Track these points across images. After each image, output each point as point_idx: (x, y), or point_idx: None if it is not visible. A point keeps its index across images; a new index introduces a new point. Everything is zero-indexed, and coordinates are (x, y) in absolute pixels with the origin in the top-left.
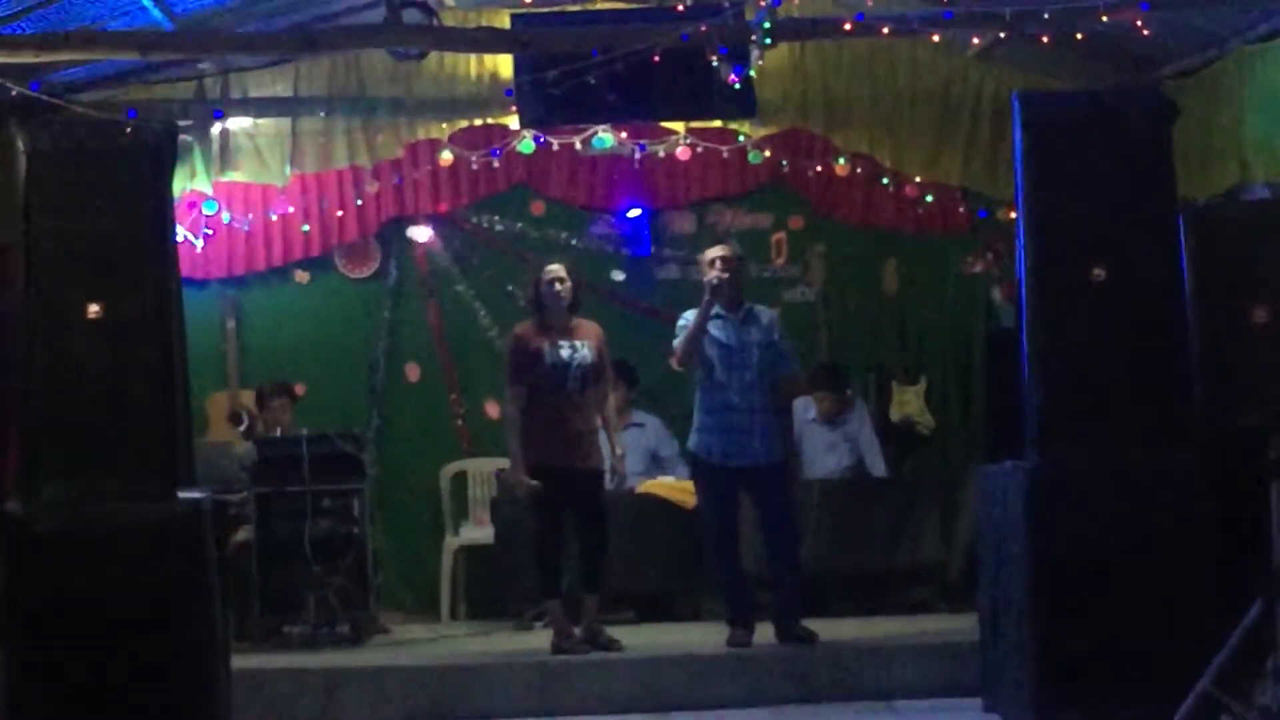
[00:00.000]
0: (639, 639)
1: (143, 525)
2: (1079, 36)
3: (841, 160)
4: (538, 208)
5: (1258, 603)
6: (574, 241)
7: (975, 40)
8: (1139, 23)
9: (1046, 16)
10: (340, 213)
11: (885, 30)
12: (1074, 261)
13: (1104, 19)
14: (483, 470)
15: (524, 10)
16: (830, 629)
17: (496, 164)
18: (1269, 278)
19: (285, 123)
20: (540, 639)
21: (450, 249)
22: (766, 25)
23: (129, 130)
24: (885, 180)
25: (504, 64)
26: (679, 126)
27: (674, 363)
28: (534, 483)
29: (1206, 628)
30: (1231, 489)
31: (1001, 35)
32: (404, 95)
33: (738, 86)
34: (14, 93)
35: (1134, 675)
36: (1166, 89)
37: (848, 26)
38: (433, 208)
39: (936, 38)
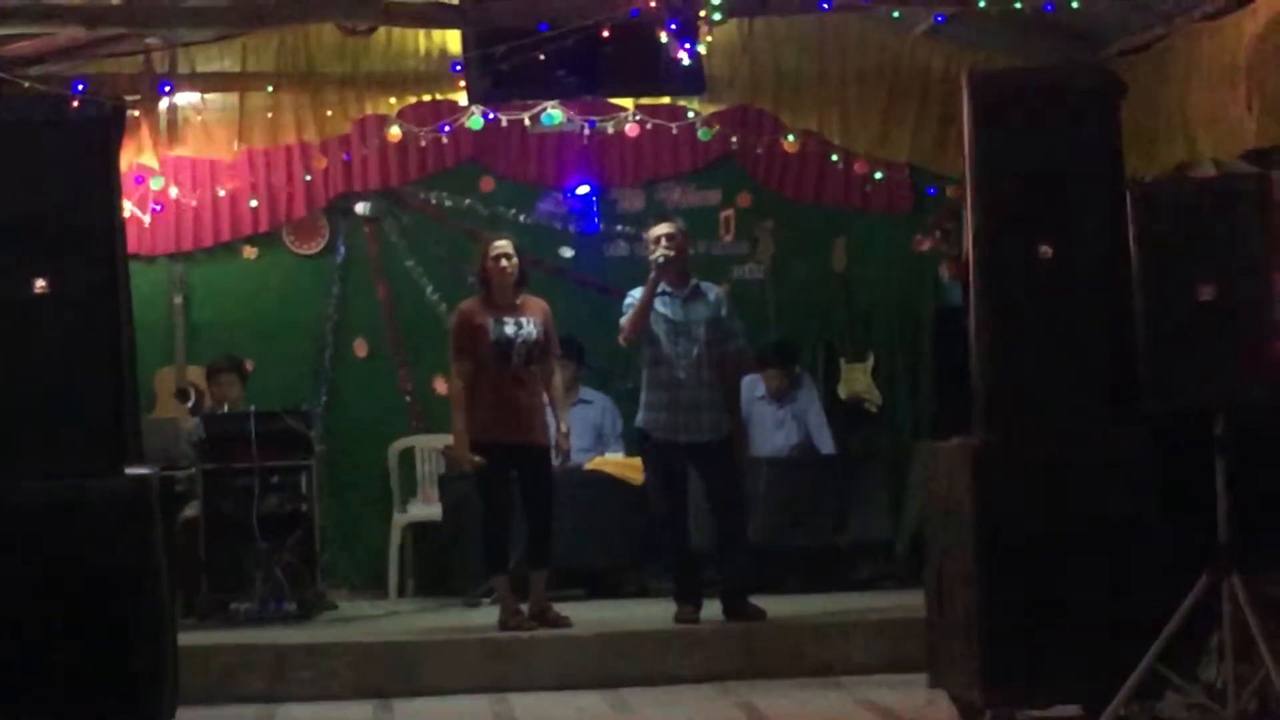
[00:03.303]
0: (587, 615)
1: (89, 501)
2: (1027, 13)
3: (790, 137)
4: (486, 184)
5: (1203, 579)
6: (523, 218)
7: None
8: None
9: None
10: (288, 188)
11: (834, 7)
12: (1022, 239)
13: None
14: (431, 447)
15: None
16: (778, 605)
17: (445, 140)
18: (1215, 256)
19: (233, 98)
20: (488, 616)
21: (399, 225)
22: (715, 1)
23: (75, 105)
24: (834, 157)
25: (453, 39)
26: (628, 103)
27: (622, 340)
28: (477, 459)
29: (1152, 604)
30: (1178, 465)
31: (950, 12)
32: (352, 71)
33: (687, 63)
34: None
35: (1079, 651)
36: (1114, 66)
37: (797, 2)
38: (381, 183)
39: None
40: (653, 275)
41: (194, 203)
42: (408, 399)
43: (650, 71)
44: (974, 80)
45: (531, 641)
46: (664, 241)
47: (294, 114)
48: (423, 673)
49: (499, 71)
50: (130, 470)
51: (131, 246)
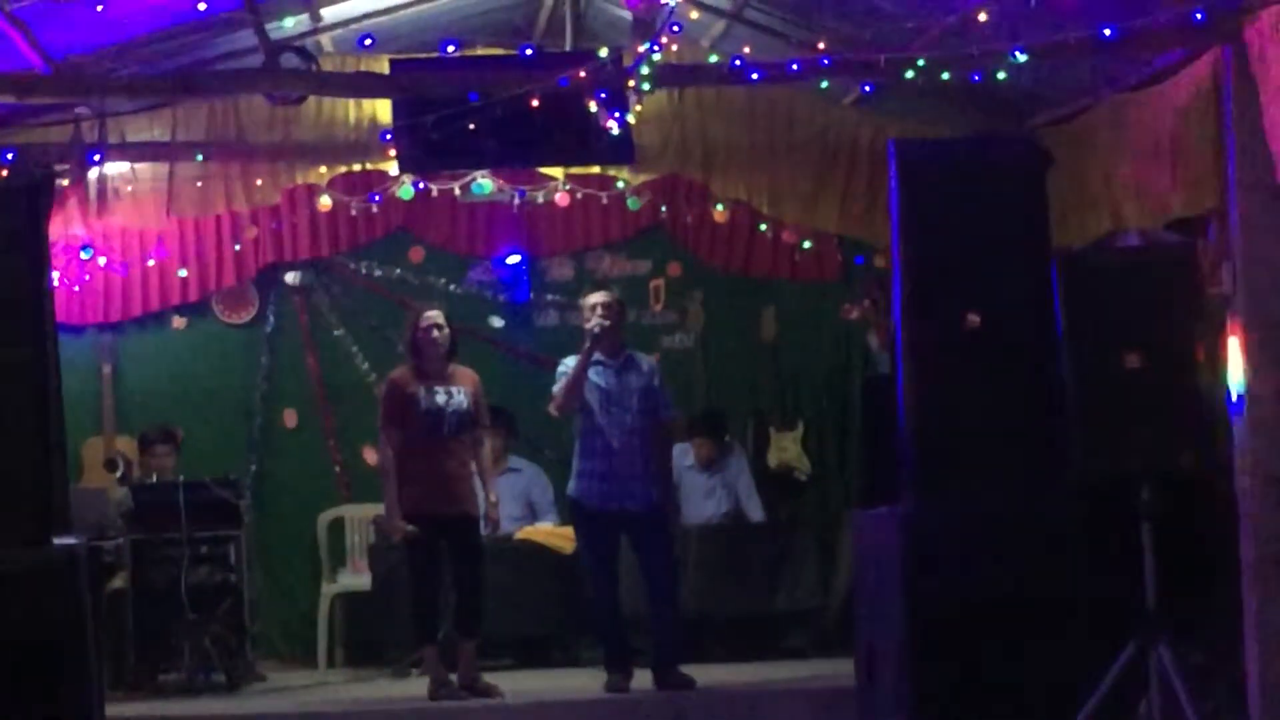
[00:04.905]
0: (517, 685)
1: (17, 571)
2: (955, 84)
3: (719, 207)
4: (417, 254)
5: (1130, 645)
6: (453, 287)
7: (852, 87)
8: (1006, 73)
9: (921, 64)
10: (218, 258)
11: (763, 78)
12: (949, 308)
13: (977, 67)
14: (360, 516)
15: (403, 55)
16: (708, 674)
17: (375, 209)
18: (1140, 324)
19: (163, 167)
20: (418, 686)
21: (329, 295)
22: (645, 71)
23: (4, 174)
24: (763, 227)
25: (383, 109)
26: (558, 172)
27: (553, 409)
28: (410, 527)
29: (1081, 671)
30: (1105, 533)
31: (878, 83)
32: (282, 140)
33: (616, 132)
34: None
35: (1009, 719)
36: (1040, 137)
37: (726, 73)
38: (311, 253)
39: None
40: (587, 345)
41: (123, 273)
42: (337, 469)
43: (580, 141)
44: (901, 150)
45: (462, 711)
46: (600, 310)
47: (224, 183)
48: None
49: (429, 141)
50: (58, 540)
51: (60, 316)
